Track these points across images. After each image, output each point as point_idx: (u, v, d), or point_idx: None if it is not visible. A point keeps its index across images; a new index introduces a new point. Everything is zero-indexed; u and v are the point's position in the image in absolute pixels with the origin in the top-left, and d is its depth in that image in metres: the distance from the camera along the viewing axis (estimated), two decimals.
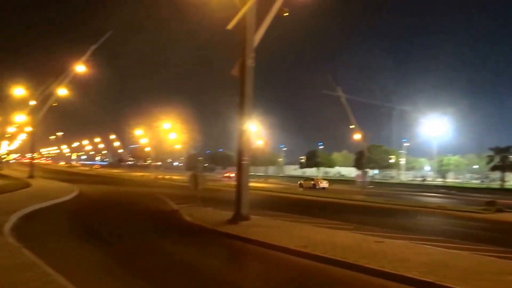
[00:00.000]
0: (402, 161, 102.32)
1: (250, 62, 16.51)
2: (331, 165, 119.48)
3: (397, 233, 14.93)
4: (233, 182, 55.59)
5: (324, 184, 54.26)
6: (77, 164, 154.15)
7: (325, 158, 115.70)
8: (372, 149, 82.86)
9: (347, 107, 62.94)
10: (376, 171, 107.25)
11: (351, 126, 64.31)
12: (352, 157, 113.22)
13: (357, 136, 63.89)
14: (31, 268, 8.08)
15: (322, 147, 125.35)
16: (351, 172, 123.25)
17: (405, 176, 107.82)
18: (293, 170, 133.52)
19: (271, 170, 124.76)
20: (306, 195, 38.13)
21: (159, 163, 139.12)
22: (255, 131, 76.28)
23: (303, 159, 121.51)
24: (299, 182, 57.20)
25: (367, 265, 9.62)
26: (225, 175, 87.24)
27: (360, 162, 77.98)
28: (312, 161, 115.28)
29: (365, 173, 67.11)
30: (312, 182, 54.75)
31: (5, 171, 67.52)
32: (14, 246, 10.11)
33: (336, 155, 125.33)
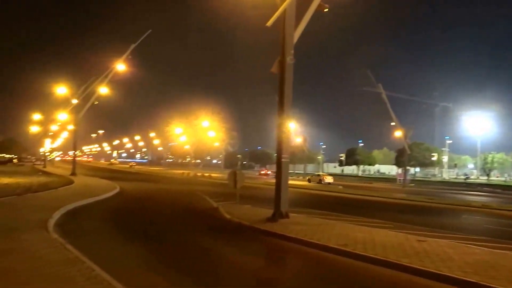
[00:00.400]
0: (445, 158, 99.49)
1: (289, 59, 16.45)
2: (371, 162, 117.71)
3: (439, 232, 14.62)
4: (271, 180, 55.85)
5: (329, 179, 60.41)
6: (115, 162, 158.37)
7: (365, 155, 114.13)
8: (414, 146, 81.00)
9: (388, 103, 61.69)
10: (417, 169, 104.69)
11: (392, 123, 63.07)
12: (392, 154, 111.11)
13: (398, 134, 62.57)
14: (75, 264, 8.38)
15: (362, 144, 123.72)
16: (391, 170, 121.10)
17: (447, 174, 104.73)
18: (333, 168, 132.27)
19: (310, 168, 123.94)
20: (346, 193, 37.74)
21: (198, 161, 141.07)
22: (294, 128, 76.38)
23: (342, 156, 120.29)
24: (307, 178, 64.04)
25: (409, 264, 9.49)
26: (262, 172, 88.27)
27: (400, 160, 76.30)
28: (352, 158, 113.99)
29: (406, 171, 65.62)
30: (319, 177, 61.49)
31: (49, 169, 70.16)
32: (58, 242, 10.48)
33: (376, 153, 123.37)
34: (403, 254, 10.44)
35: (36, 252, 9.22)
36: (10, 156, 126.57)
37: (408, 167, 70.38)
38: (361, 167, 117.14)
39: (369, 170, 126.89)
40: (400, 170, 75.29)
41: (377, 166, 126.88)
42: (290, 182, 19.13)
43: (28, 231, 11.60)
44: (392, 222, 17.30)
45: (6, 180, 33.74)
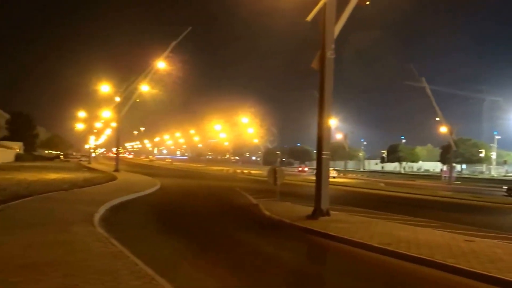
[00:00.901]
0: (493, 155, 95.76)
1: (330, 54, 16.29)
2: (414, 159, 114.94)
3: (487, 232, 14.18)
4: (311, 177, 55.76)
5: (333, 173, 59.97)
6: (153, 158, 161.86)
7: (407, 152, 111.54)
8: (460, 142, 78.48)
9: (432, 98, 59.99)
10: (463, 166, 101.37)
11: (436, 119, 61.35)
12: (437, 151, 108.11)
13: (443, 129, 60.78)
14: (119, 258, 8.64)
15: (405, 140, 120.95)
16: (435, 167, 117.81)
17: (496, 172, 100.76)
18: (374, 165, 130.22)
19: (351, 164, 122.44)
20: (388, 191, 37.12)
21: (237, 157, 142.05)
22: (335, 124, 75.65)
23: (384, 153, 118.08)
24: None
25: (456, 265, 9.24)
26: (299, 169, 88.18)
27: (446, 157, 74.20)
28: (394, 155, 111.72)
29: (451, 168, 63.67)
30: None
31: (93, 165, 72.50)
32: (104, 236, 10.82)
33: (419, 149, 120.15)
34: (449, 254, 10.18)
35: (84, 245, 9.60)
36: (57, 152, 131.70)
37: (454, 164, 68.31)
38: (404, 164, 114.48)
39: (412, 167, 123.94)
40: (445, 167, 73.25)
41: (420, 163, 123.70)
42: (331, 179, 18.98)
43: (76, 225, 12.06)
44: (437, 221, 16.89)
45: (53, 175, 35.15)
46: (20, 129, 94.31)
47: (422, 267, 9.58)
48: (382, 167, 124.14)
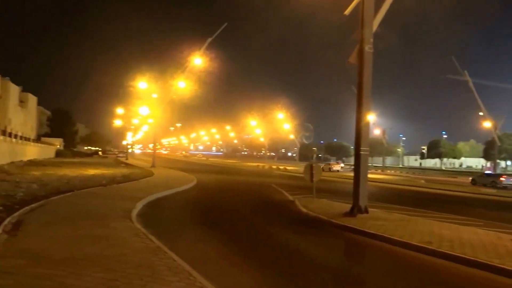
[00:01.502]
0: None
1: (368, 48, 16.03)
2: (456, 155, 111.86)
3: None
4: (348, 173, 55.18)
5: (337, 167, 69.15)
6: (187, 154, 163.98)
7: (449, 148, 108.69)
8: (505, 137, 75.75)
9: (475, 92, 58.09)
10: (508, 162, 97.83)
11: (480, 113, 59.42)
12: (480, 147, 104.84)
13: (487, 124, 58.82)
14: (157, 253, 8.77)
15: (446, 136, 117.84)
16: (478, 163, 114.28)
17: None
18: (413, 161, 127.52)
19: (389, 160, 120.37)
20: (429, 188, 36.29)
21: (273, 153, 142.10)
22: (373, 120, 74.39)
23: (424, 149, 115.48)
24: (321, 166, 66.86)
25: (502, 266, 8.93)
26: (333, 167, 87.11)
27: (490, 153, 71.76)
28: (434, 151, 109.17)
29: (495, 165, 61.57)
30: (329, 166, 69.09)
31: (130, 161, 74.09)
32: (141, 231, 10.98)
33: (461, 145, 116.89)
34: (494, 254, 9.85)
35: (122, 240, 9.81)
36: (96, 148, 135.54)
37: (498, 160, 66.05)
38: (445, 160, 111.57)
39: (453, 164, 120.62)
40: (489, 164, 70.91)
41: (462, 160, 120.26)
42: (369, 175, 18.65)
43: (115, 220, 12.35)
44: (482, 219, 16.42)
45: (92, 171, 36.16)
46: (61, 126, 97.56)
47: (465, 267, 9.32)
48: (420, 164, 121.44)
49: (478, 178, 46.83)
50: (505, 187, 39.87)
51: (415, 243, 10.97)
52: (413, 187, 37.99)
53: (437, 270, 9.29)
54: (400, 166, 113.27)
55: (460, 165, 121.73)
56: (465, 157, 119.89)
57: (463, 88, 59.71)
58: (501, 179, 42.85)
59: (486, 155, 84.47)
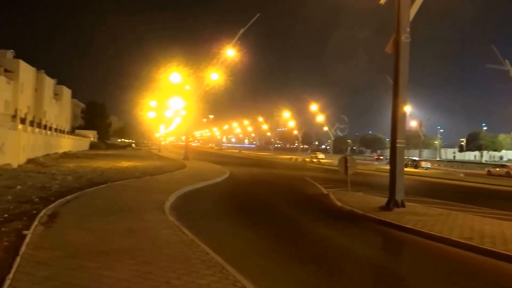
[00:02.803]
0: None
1: (405, 37, 15.69)
2: (497, 148, 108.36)
3: None
4: (383, 166, 54.24)
5: (321, 156, 76.37)
6: (213, 146, 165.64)
7: (489, 140, 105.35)
8: None
9: None
10: None
11: None
12: None
13: None
14: (190, 246, 8.82)
15: (486, 128, 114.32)
16: None
17: None
18: (452, 154, 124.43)
19: (426, 153, 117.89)
20: (468, 182, 35.36)
21: (306, 146, 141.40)
22: (409, 111, 73.03)
23: (463, 141, 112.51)
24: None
25: None
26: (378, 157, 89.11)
27: None
28: (474, 144, 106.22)
29: None
30: (415, 163, 67.01)
31: (163, 153, 75.15)
32: (175, 224, 11.08)
33: (502, 137, 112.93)
34: None
35: (156, 232, 9.94)
36: (129, 140, 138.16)
37: None
38: (485, 153, 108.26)
39: (493, 156, 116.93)
40: None
41: (503, 152, 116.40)
42: (405, 169, 18.32)
43: (148, 212, 12.52)
44: None
45: (126, 163, 36.88)
46: (94, 118, 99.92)
47: (509, 264, 8.99)
48: (454, 157, 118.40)
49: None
50: None
51: (455, 239, 10.69)
52: (452, 180, 37.17)
53: (479, 267, 9.00)
54: (438, 159, 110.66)
55: (501, 158, 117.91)
56: (507, 149, 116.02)
57: (505, 78, 57.67)
58: None
59: None
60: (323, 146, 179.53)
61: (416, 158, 74.28)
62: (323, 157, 77.01)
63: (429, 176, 42.73)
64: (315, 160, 70.49)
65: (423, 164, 66.53)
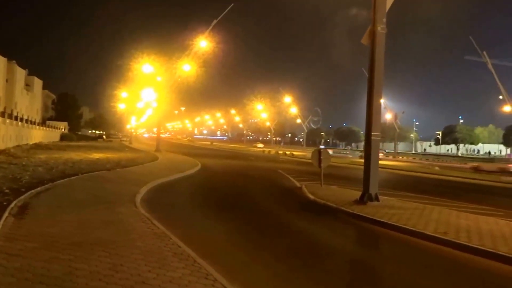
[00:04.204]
0: None
1: (381, 28, 15.82)
2: (474, 141, 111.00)
3: None
4: (357, 159, 54.92)
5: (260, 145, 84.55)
6: (189, 138, 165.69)
7: (466, 133, 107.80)
8: None
9: (495, 74, 57.19)
10: None
11: (499, 97, 58.74)
12: (500, 132, 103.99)
13: (507, 108, 58.12)
14: (162, 238, 8.89)
15: (463, 121, 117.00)
16: (497, 149, 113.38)
17: None
18: (428, 147, 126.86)
19: (401, 146, 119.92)
20: (444, 175, 36.19)
21: (279, 138, 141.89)
22: (384, 103, 74.02)
23: (439, 134, 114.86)
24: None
25: None
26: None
27: (510, 138, 71.07)
28: (450, 136, 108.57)
29: None
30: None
31: (134, 145, 74.52)
32: (146, 217, 11.10)
33: (479, 130, 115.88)
34: None
35: (127, 225, 9.93)
36: (100, 132, 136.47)
37: None
38: (461, 146, 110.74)
39: (473, 150, 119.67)
40: (509, 150, 70.28)
41: (480, 145, 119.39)
42: (380, 162, 18.59)
43: (120, 205, 12.48)
44: (503, 209, 16.28)
45: (97, 155, 36.43)
46: (65, 109, 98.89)
47: (483, 259, 9.18)
48: (425, 150, 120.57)
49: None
50: None
51: (430, 233, 10.86)
52: (427, 174, 37.92)
53: (454, 261, 9.19)
54: (413, 152, 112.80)
55: (477, 151, 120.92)
56: (483, 143, 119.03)
57: (483, 70, 58.87)
58: None
59: (506, 141, 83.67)
60: (296, 139, 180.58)
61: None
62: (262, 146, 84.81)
63: (404, 169, 43.53)
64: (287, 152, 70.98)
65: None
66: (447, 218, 13.02)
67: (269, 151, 75.66)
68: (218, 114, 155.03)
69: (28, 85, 76.56)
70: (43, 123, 76.47)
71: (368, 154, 16.24)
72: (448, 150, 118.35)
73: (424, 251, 10.00)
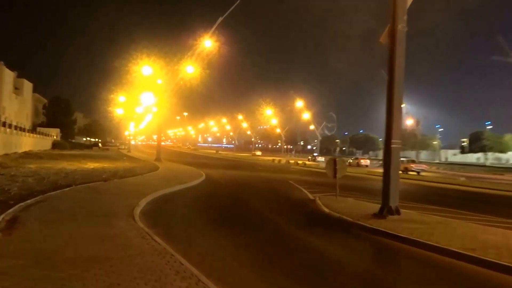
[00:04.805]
0: None
1: (401, 26, 15.80)
2: (503, 149, 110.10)
3: None
4: (375, 169, 54.69)
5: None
6: (190, 146, 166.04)
7: (494, 141, 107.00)
8: None
9: None
10: None
11: None
12: None
13: None
14: (163, 255, 8.87)
15: (491, 127, 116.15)
16: None
17: None
18: (452, 155, 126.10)
19: (424, 155, 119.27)
20: (471, 186, 35.91)
21: (290, 146, 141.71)
22: (405, 109, 73.76)
23: (465, 142, 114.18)
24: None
25: None
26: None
27: None
28: (477, 144, 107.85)
29: None
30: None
31: (133, 153, 74.79)
32: (146, 232, 11.13)
33: (509, 137, 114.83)
34: None
35: (126, 240, 9.95)
36: (95, 140, 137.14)
37: None
38: (489, 154, 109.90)
39: (499, 158, 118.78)
40: None
41: (510, 154, 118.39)
42: (400, 172, 18.53)
43: (117, 218, 12.53)
44: None
45: (92, 164, 36.67)
46: (58, 115, 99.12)
47: None
48: (446, 158, 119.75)
49: None
50: None
51: (455, 250, 10.76)
52: (452, 185, 37.67)
53: (482, 280, 9.09)
54: (437, 161, 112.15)
55: (507, 161, 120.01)
56: None
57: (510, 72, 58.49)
58: None
59: None
60: (309, 147, 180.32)
61: (404, 159, 72.93)
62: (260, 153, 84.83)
63: (426, 180, 43.26)
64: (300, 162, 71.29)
65: (414, 167, 57.18)
66: (474, 233, 12.91)
67: (279, 160, 75.65)
68: (224, 120, 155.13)
69: (17, 89, 76.85)
70: (33, 129, 76.83)
71: (388, 163, 16.15)
72: (477, 159, 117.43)
73: (449, 269, 9.91)
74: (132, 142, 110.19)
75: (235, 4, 47.32)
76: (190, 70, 48.69)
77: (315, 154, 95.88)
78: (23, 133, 58.45)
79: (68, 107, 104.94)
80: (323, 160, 69.95)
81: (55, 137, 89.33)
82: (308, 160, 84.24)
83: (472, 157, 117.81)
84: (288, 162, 72.73)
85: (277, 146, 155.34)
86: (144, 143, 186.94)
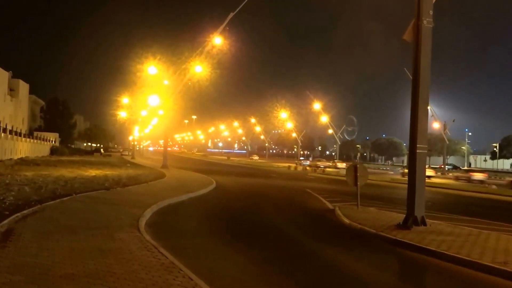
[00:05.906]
0: None
1: (427, 22, 15.71)
2: None
3: None
4: (398, 176, 54.27)
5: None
6: (185, 151, 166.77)
7: None
8: None
9: None
10: None
11: None
12: None
13: None
14: (171, 270, 8.84)
15: None
16: None
17: None
18: (483, 161, 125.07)
19: (452, 160, 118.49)
20: (503, 195, 35.54)
21: (307, 152, 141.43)
22: (431, 111, 73.33)
23: (496, 146, 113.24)
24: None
25: None
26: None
27: None
28: (509, 149, 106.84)
29: None
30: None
31: (137, 160, 74.98)
32: (151, 244, 11.13)
33: None
34: None
35: (131, 253, 9.95)
36: (97, 145, 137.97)
37: None
38: None
39: None
40: None
41: None
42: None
43: (120, 230, 12.55)
44: None
45: (94, 172, 36.83)
46: (56, 118, 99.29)
47: None
48: (470, 164, 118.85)
49: None
50: None
51: (487, 263, 10.74)
52: (483, 193, 37.31)
53: None
54: (466, 167, 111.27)
55: None
56: None
57: None
58: None
59: None
60: (328, 152, 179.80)
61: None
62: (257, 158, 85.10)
63: (454, 188, 42.93)
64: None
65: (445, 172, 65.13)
66: (506, 246, 12.82)
67: (295, 167, 75.48)
68: (236, 123, 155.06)
69: (12, 90, 77.21)
70: (30, 134, 77.43)
71: (413, 170, 16.05)
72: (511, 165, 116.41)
73: (481, 285, 9.86)
74: (137, 148, 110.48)
75: (246, 0, 47.38)
76: (199, 69, 48.49)
77: (301, 158, 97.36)
78: (19, 137, 58.94)
79: (68, 110, 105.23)
80: (343, 166, 70.12)
81: (53, 142, 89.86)
82: (296, 164, 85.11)
83: (504, 163, 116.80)
84: (305, 169, 72.66)
85: (293, 152, 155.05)
86: (151, 148, 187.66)
